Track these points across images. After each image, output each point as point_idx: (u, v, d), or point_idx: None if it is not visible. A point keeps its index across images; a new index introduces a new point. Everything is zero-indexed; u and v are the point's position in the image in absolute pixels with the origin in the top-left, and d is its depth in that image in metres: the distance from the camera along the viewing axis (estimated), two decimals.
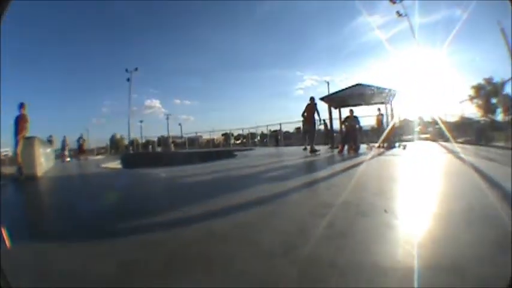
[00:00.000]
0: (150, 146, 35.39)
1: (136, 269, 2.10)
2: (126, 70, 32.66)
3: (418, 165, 8.21)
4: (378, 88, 15.35)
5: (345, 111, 15.15)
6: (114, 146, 32.32)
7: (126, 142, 34.08)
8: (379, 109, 15.93)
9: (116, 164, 17.28)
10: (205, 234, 2.79)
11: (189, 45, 58.24)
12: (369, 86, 15.59)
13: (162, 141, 35.52)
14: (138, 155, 27.49)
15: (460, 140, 16.10)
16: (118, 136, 33.03)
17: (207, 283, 1.83)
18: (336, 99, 16.34)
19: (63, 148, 20.35)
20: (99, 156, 24.82)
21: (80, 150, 21.84)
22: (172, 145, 33.55)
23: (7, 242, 2.48)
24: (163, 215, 3.61)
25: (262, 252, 2.28)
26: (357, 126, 13.86)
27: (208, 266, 2.09)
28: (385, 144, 14.18)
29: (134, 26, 53.12)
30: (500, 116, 17.18)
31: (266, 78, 57.51)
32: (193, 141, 34.52)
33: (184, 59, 55.47)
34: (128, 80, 32.56)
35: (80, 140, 21.64)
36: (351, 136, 13.48)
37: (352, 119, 13.81)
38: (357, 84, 15.98)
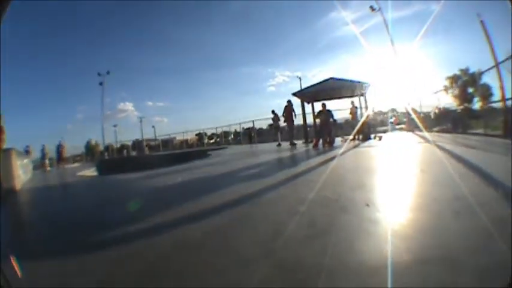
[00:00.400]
0: (125, 151, 34.35)
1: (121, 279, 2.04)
2: (99, 74, 31.86)
3: (394, 155, 8.21)
4: (351, 81, 15.32)
5: (319, 106, 14.83)
6: (90, 152, 31.44)
7: (101, 148, 33.17)
8: (352, 102, 15.87)
9: (91, 172, 16.53)
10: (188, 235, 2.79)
11: (160, 45, 57.30)
12: (341, 79, 15.57)
13: (137, 144, 34.55)
14: (112, 161, 26.66)
15: (436, 129, 16.53)
16: (93, 142, 32.32)
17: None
18: (308, 94, 16.18)
19: (43, 157, 19.76)
20: (76, 164, 23.98)
21: (60, 158, 21.24)
22: (146, 148, 32.49)
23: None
24: (139, 224, 3.42)
25: (242, 251, 2.26)
26: (331, 119, 13.69)
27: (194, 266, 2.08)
28: (360, 136, 14.23)
29: (104, 27, 51.99)
30: (477, 105, 17.08)
31: (238, 76, 56.99)
32: (167, 143, 33.68)
33: (156, 59, 54.53)
34: (101, 84, 31.71)
35: (60, 148, 20.82)
36: (325, 130, 13.36)
37: (326, 113, 13.60)
38: (330, 79, 15.89)
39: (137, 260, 2.33)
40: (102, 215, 4.35)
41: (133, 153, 32.77)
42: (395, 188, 4.13)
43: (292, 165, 7.96)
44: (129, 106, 50.90)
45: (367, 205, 3.08)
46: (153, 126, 50.67)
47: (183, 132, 33.62)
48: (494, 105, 13.83)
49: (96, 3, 41.07)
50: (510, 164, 4.78)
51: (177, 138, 34.39)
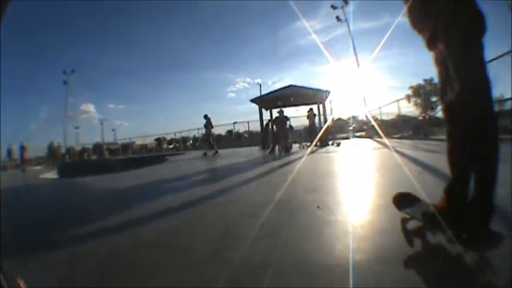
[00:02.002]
0: (86, 154, 32.84)
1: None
2: (64, 72, 30.50)
3: (349, 160, 8.13)
4: (310, 89, 15.36)
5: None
6: (52, 154, 29.72)
7: (63, 150, 31.55)
8: (311, 109, 15.51)
9: (53, 174, 15.44)
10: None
11: (122, 45, 55.93)
12: (300, 87, 15.58)
13: (97, 148, 33.07)
14: (73, 164, 25.12)
15: (397, 136, 16.54)
16: (55, 144, 30.71)
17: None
18: (267, 101, 15.96)
19: (10, 158, 19.21)
20: (38, 166, 22.56)
21: (23, 160, 20.05)
22: (106, 152, 31.13)
23: None
24: (97, 224, 3.25)
25: (193, 252, 2.17)
26: (287, 126, 13.55)
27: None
28: (318, 143, 13.95)
29: (69, 26, 50.56)
30: (439, 113, 16.88)
31: (198, 81, 56.01)
32: (126, 147, 32.14)
33: (117, 59, 53.17)
34: (65, 82, 30.27)
35: (22, 150, 19.63)
36: (282, 136, 13.05)
37: (282, 119, 13.38)
38: (289, 86, 15.88)
39: (90, 260, 2.25)
40: (59, 217, 4.03)
41: (94, 157, 31.26)
42: (347, 190, 4.08)
43: (244, 170, 7.60)
44: (91, 107, 48.81)
45: (318, 207, 2.98)
46: (113, 130, 48.85)
47: (143, 137, 32.82)
48: None
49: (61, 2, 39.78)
50: None
51: (137, 142, 33.29)
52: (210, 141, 15.05)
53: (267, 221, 2.73)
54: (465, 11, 1.73)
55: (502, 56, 8.27)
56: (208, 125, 14.83)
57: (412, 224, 2.01)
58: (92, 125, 51.63)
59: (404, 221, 2.04)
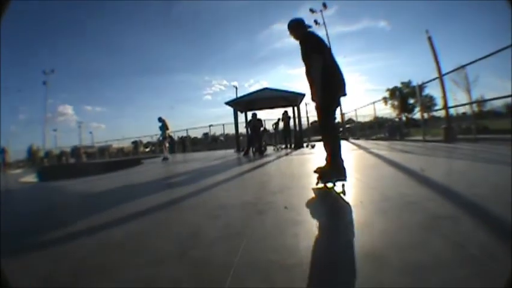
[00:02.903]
0: (64, 158, 32.10)
1: None
2: (44, 72, 29.63)
3: (318, 162, 7.98)
4: (285, 92, 15.43)
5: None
6: (32, 158, 28.66)
7: (42, 154, 30.61)
8: (285, 111, 15.50)
9: (33, 178, 15.76)
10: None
11: (98, 47, 55.06)
12: (275, 90, 15.53)
13: (75, 152, 32.36)
14: (53, 168, 24.42)
15: (373, 137, 16.83)
16: (35, 147, 29.15)
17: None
18: (242, 104, 15.87)
19: None
20: (19, 170, 21.88)
21: (4, 163, 20.16)
22: (84, 156, 30.49)
23: None
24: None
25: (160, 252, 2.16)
26: (262, 128, 13.60)
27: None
28: (293, 145, 14.40)
29: (47, 27, 49.39)
30: (417, 115, 17.05)
31: (175, 83, 55.43)
32: (103, 150, 31.80)
33: (94, 61, 52.19)
34: (44, 83, 29.43)
35: (3, 153, 19.03)
36: (256, 138, 13.16)
37: (256, 122, 13.40)
38: (264, 88, 15.78)
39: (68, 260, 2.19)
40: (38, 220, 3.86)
41: (72, 160, 30.60)
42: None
43: (217, 172, 7.38)
44: (68, 109, 47.36)
45: (286, 207, 3.01)
46: (90, 132, 47.90)
47: (119, 140, 32.38)
48: (437, 113, 15.55)
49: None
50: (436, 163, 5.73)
51: (114, 145, 32.87)
52: (165, 145, 13.99)
53: (232, 222, 2.74)
54: (306, 55, 3.82)
55: (501, 50, 8.33)
56: (163, 128, 13.72)
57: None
58: (69, 127, 50.33)
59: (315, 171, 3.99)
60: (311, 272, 1.65)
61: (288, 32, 4.31)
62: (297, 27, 4.17)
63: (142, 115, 52.68)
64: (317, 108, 3.80)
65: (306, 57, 3.87)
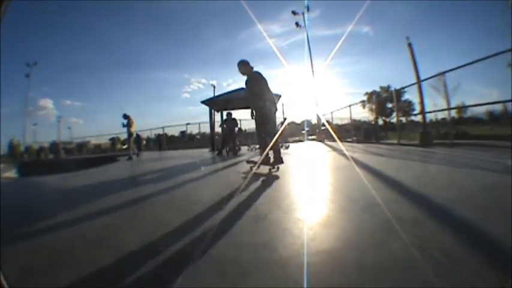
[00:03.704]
0: (43, 153, 30.89)
1: None
2: (27, 64, 28.35)
3: (294, 162, 7.93)
4: None
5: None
6: (12, 153, 27.54)
7: (22, 148, 29.42)
8: None
9: (13, 174, 14.62)
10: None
11: (78, 39, 53.41)
12: None
13: (54, 147, 31.13)
14: (32, 164, 23.40)
15: (349, 140, 16.78)
16: (15, 142, 28.20)
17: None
18: (218, 103, 15.33)
19: None
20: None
21: None
22: (62, 151, 29.27)
23: None
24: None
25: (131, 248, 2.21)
26: (236, 128, 13.18)
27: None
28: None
29: (28, 19, 47.74)
30: (395, 119, 16.99)
31: (154, 80, 54.08)
32: (81, 146, 30.59)
33: (73, 55, 50.51)
34: (27, 75, 28.15)
35: None
36: (230, 138, 12.76)
37: (231, 122, 13.05)
38: (241, 88, 15.03)
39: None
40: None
41: (51, 156, 29.38)
42: (285, 189, 4.21)
43: (188, 170, 7.23)
44: (49, 103, 45.82)
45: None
46: (69, 128, 46.41)
47: (97, 136, 31.24)
48: (416, 118, 14.77)
49: None
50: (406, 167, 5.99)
51: (91, 142, 31.52)
52: (130, 143, 13.14)
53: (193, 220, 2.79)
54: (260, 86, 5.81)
55: (500, 53, 7.96)
56: (128, 125, 12.87)
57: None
58: (49, 122, 48.76)
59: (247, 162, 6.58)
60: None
61: (238, 68, 5.98)
62: (246, 66, 5.94)
63: (121, 111, 50.37)
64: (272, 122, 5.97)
65: (259, 88, 5.81)
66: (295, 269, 1.72)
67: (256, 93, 5.86)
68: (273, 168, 5.76)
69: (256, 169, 5.90)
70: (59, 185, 6.41)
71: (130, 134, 13.06)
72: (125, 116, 12.98)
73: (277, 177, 5.02)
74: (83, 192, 5.24)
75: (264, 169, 5.83)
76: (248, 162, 6.77)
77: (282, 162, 5.91)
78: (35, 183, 7.58)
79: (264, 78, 5.81)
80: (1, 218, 3.50)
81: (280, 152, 5.90)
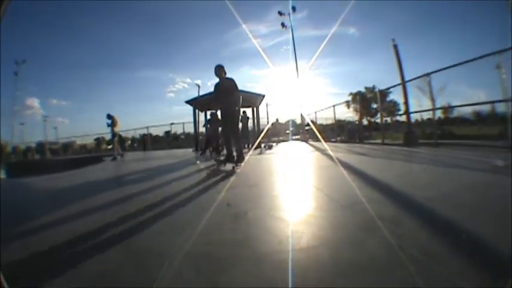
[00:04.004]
0: (30, 153, 30.09)
1: None
2: (16, 62, 27.55)
3: (276, 161, 8.03)
4: (245, 92, 14.54)
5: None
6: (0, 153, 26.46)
7: (9, 148, 28.49)
8: (244, 112, 14.91)
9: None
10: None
11: (64, 40, 52.15)
12: None
13: (40, 147, 30.30)
14: (18, 164, 22.76)
15: (333, 140, 16.65)
16: (3, 142, 27.07)
17: None
18: (202, 103, 15.09)
19: None
20: None
21: None
22: (48, 152, 28.51)
23: None
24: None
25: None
26: (219, 128, 12.27)
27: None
28: (250, 145, 14.08)
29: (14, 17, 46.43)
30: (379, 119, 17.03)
31: (139, 79, 53.06)
32: (67, 147, 30.05)
33: (59, 54, 49.35)
34: (16, 74, 27.37)
35: None
36: (214, 138, 12.45)
37: (215, 122, 12.52)
38: None
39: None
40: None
41: (37, 157, 28.65)
42: (264, 189, 4.14)
43: (172, 170, 7.17)
44: (35, 102, 44.65)
45: (228, 204, 3.10)
46: (55, 128, 45.29)
47: (83, 136, 30.95)
48: (402, 118, 14.94)
49: None
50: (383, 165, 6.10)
51: (77, 142, 30.93)
52: (115, 143, 12.73)
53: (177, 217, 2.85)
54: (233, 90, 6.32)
55: (501, 51, 7.73)
56: (113, 125, 12.39)
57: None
58: (35, 121, 47.51)
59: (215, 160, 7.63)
60: None
61: (216, 70, 6.46)
62: (223, 70, 6.49)
63: (106, 111, 48.91)
64: (236, 123, 6.60)
65: (232, 91, 6.31)
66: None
67: (226, 96, 6.35)
68: (236, 166, 6.17)
69: (223, 167, 6.42)
70: (45, 187, 6.16)
71: (114, 134, 12.67)
72: (109, 116, 12.52)
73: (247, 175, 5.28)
74: (68, 193, 5.03)
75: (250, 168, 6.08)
76: (216, 160, 7.70)
77: (243, 160, 6.42)
78: (21, 184, 7.35)
79: (236, 85, 6.42)
80: None
81: (242, 152, 6.52)
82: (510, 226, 2.01)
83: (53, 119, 50.59)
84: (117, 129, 12.77)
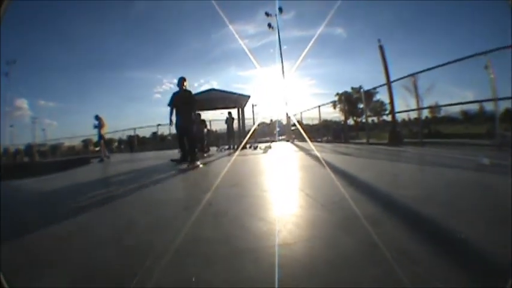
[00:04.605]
0: (19, 156, 29.25)
1: None
2: (7, 62, 26.70)
3: (260, 161, 7.91)
4: (231, 93, 14.62)
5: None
6: None
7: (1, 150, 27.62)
8: (229, 113, 14.84)
9: None
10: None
11: (51, 41, 50.82)
12: (221, 91, 14.68)
13: (29, 150, 29.40)
14: (8, 167, 21.97)
15: (319, 140, 16.48)
16: None
17: None
18: None
19: None
20: None
21: None
22: (37, 154, 27.58)
23: None
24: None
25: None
26: (205, 129, 12.72)
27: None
28: (235, 146, 13.81)
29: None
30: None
31: (126, 80, 51.62)
32: (55, 149, 29.11)
33: (46, 54, 48.15)
34: (6, 74, 26.54)
35: None
36: (198, 139, 11.50)
37: (198, 123, 11.94)
38: (211, 89, 14.85)
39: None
40: None
41: (26, 159, 27.82)
42: (247, 188, 4.03)
43: (158, 172, 6.87)
44: (24, 103, 43.36)
45: (210, 204, 3.06)
46: (43, 129, 44.18)
47: (70, 138, 29.66)
48: (389, 118, 13.99)
49: None
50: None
51: (65, 144, 29.95)
52: (103, 145, 12.25)
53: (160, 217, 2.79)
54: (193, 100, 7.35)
55: (500, 48, 7.46)
56: (100, 126, 11.85)
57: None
58: (23, 123, 46.22)
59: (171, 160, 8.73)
60: None
61: (179, 82, 7.22)
62: (185, 81, 7.24)
63: (93, 112, 46.91)
64: (191, 129, 7.32)
65: (192, 101, 7.24)
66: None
67: (185, 104, 7.13)
68: (190, 165, 6.92)
69: (180, 166, 7.11)
70: (30, 189, 5.91)
71: (101, 136, 12.15)
72: (97, 118, 12.01)
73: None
74: (54, 196, 4.79)
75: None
76: (172, 160, 8.59)
77: (197, 160, 7.20)
78: (10, 186, 6.93)
79: (193, 95, 7.47)
80: None
81: (195, 154, 7.30)
82: (496, 223, 1.99)
83: (41, 120, 49.21)
84: (104, 130, 12.29)
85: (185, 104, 7.13)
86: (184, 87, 7.31)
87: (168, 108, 7.13)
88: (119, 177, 6.40)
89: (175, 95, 7.28)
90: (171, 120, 7.24)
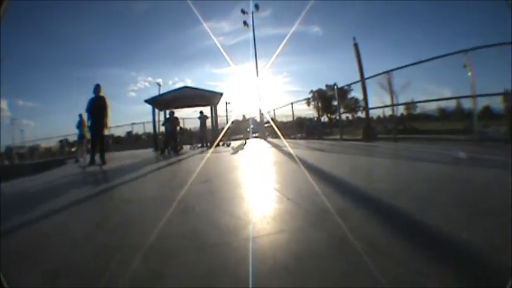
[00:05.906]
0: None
1: None
2: None
3: (230, 158, 7.70)
4: (204, 91, 14.12)
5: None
6: None
7: None
8: (201, 111, 14.29)
9: None
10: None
11: (27, 39, 48.57)
12: (195, 88, 14.20)
13: (9, 152, 27.71)
14: None
15: (292, 136, 16.02)
16: None
17: None
18: (161, 102, 14.03)
19: None
20: None
21: None
22: (16, 156, 25.87)
23: None
24: None
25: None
26: (178, 127, 12.14)
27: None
28: (209, 144, 13.19)
29: None
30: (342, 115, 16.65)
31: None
32: (33, 150, 27.61)
33: (21, 52, 46.06)
34: None
35: None
36: (172, 137, 11.71)
37: (173, 121, 11.91)
38: (184, 87, 14.35)
39: None
40: None
41: (6, 162, 26.17)
42: (221, 184, 3.93)
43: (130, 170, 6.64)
44: (3, 104, 40.90)
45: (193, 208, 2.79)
46: (22, 131, 42.01)
47: (47, 139, 28.33)
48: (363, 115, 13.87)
49: None
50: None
51: (42, 145, 28.46)
52: (82, 144, 11.13)
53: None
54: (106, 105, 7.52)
55: (500, 44, 7.16)
56: (81, 125, 10.77)
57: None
58: (3, 124, 43.77)
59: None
60: None
61: (95, 88, 7.50)
62: (100, 88, 7.52)
63: (69, 112, 44.79)
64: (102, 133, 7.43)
65: (103, 106, 7.38)
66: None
67: (99, 110, 7.38)
68: (95, 163, 7.22)
69: (88, 166, 7.35)
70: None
71: (82, 135, 11.04)
72: (80, 116, 10.98)
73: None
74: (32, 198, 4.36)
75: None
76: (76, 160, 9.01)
77: (106, 162, 7.35)
78: None
79: (107, 102, 7.57)
80: None
81: (104, 153, 7.49)
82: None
83: (19, 121, 46.57)
84: (85, 130, 10.73)
85: (101, 109, 7.48)
86: (99, 93, 7.62)
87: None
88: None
89: (93, 100, 7.59)
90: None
